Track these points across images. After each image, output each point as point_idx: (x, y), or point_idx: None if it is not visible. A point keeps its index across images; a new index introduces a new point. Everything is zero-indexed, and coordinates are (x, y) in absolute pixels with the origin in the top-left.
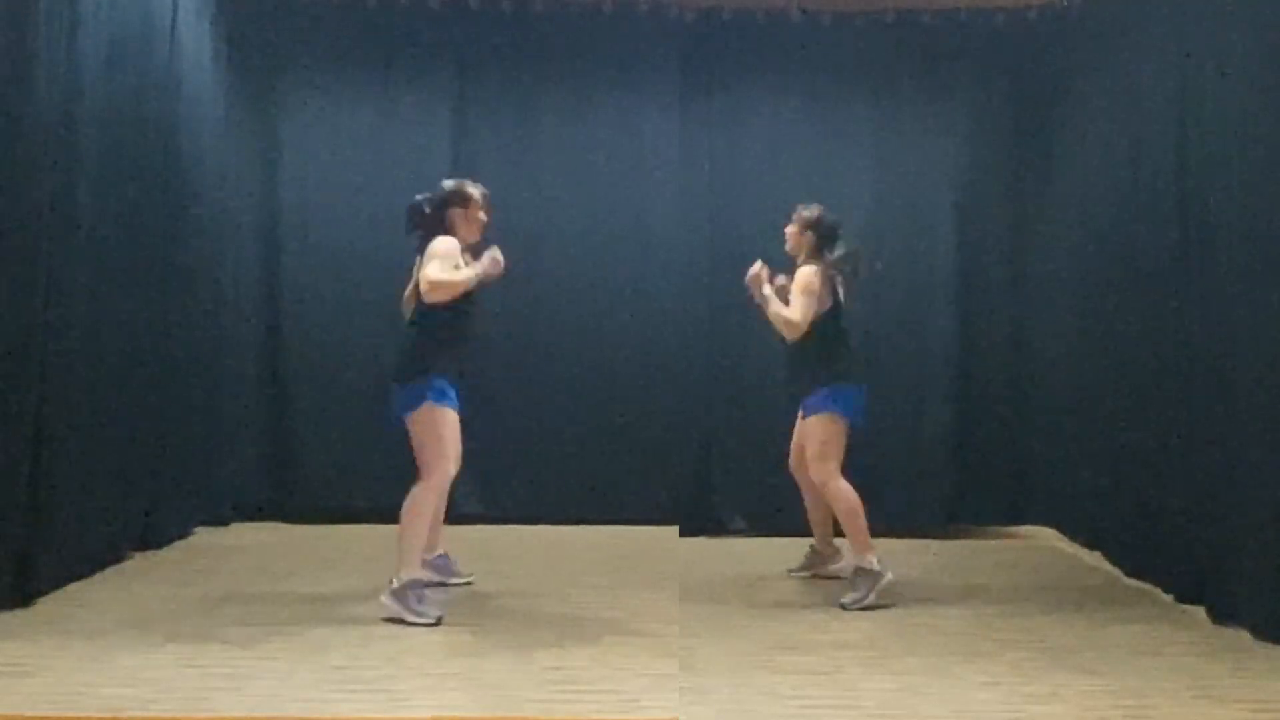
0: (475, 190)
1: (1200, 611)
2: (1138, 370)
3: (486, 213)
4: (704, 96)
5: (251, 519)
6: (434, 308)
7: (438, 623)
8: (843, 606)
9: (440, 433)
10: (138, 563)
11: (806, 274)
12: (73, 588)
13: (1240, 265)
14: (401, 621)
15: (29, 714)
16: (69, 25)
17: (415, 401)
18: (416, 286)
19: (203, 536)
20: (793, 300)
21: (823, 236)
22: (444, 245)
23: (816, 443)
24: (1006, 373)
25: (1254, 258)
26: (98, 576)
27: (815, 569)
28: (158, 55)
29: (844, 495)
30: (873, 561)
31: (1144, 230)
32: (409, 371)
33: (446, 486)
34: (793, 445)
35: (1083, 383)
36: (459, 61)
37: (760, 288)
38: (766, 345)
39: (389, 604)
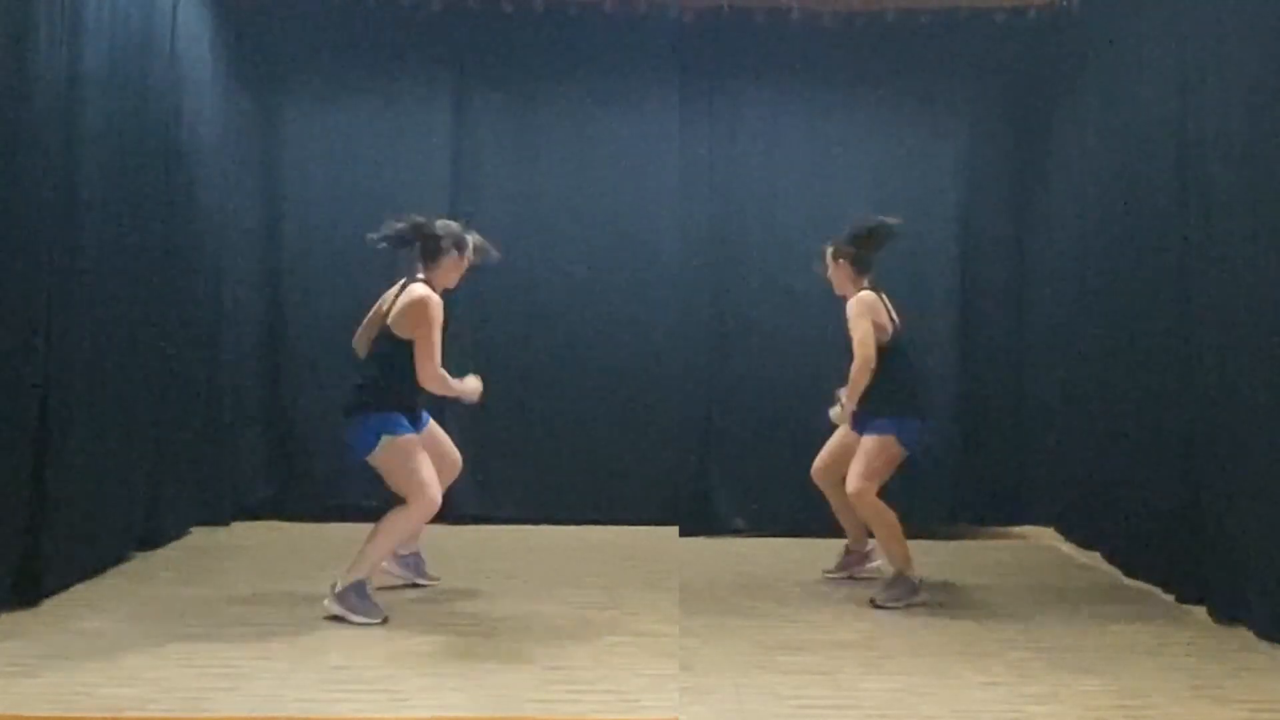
0: (473, 238)
1: (1200, 611)
2: (1138, 370)
3: (470, 263)
4: (704, 96)
5: (251, 519)
6: (401, 349)
7: (384, 622)
8: (872, 601)
9: (410, 462)
10: (139, 563)
11: (858, 300)
12: (76, 588)
13: (1240, 265)
14: (345, 621)
15: (30, 714)
16: (69, 27)
17: (371, 440)
18: (381, 323)
19: (203, 536)
20: (854, 331)
21: (860, 253)
22: (433, 309)
23: (866, 460)
24: (1006, 373)
25: (1255, 257)
26: (99, 577)
27: (851, 569)
28: (158, 55)
29: (880, 512)
30: (915, 577)
31: (1144, 230)
32: (360, 407)
33: (432, 511)
34: (824, 452)
35: (1082, 383)
36: (459, 61)
37: (844, 412)
38: (767, 345)
39: (332, 606)
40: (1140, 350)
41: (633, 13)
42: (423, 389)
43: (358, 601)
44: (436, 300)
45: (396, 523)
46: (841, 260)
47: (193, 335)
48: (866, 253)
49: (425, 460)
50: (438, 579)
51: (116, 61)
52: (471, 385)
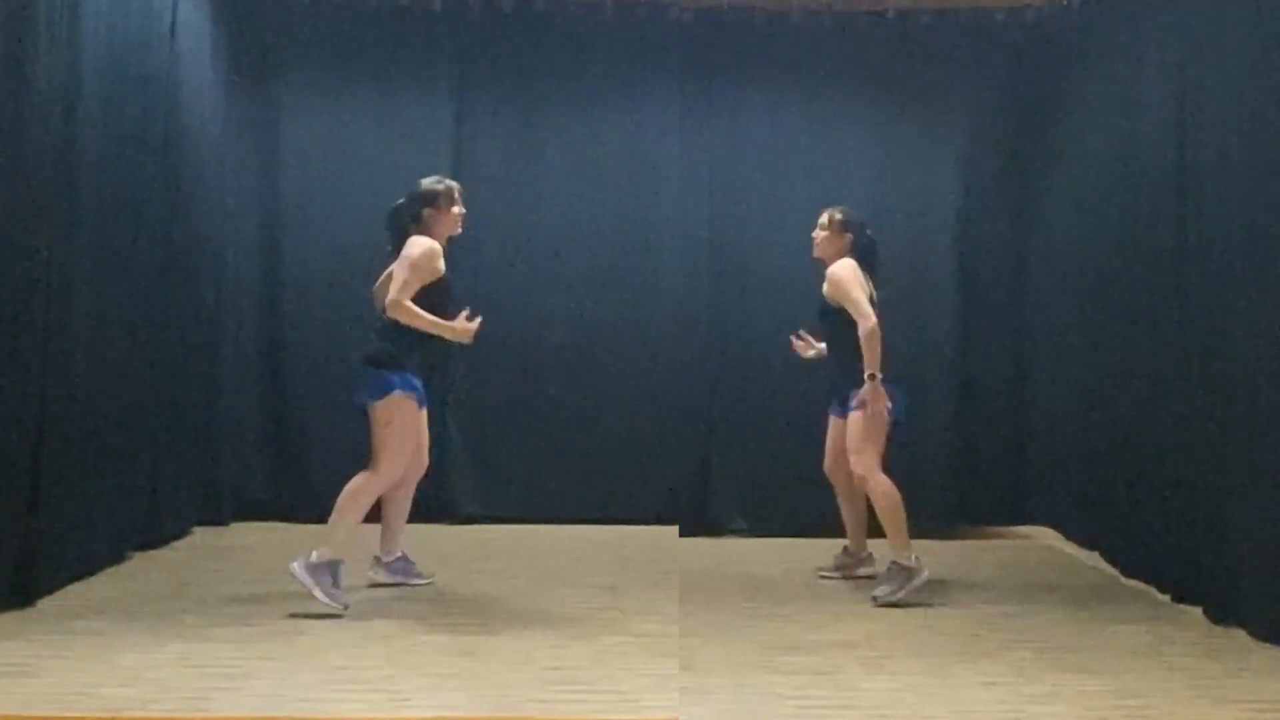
0: (442, 186)
1: (1199, 611)
2: (1138, 370)
3: (460, 206)
4: (704, 96)
5: (251, 519)
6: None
7: (345, 610)
8: (874, 599)
9: (402, 427)
10: (138, 563)
11: (840, 272)
12: (74, 588)
13: (1240, 265)
14: (311, 598)
15: (29, 714)
16: (69, 25)
17: (383, 389)
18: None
19: (202, 536)
20: (847, 304)
21: (858, 236)
22: (419, 249)
23: (858, 437)
24: (1006, 373)
25: (1254, 257)
26: (98, 576)
27: (846, 570)
28: (158, 55)
29: (884, 489)
30: (910, 558)
31: (1144, 230)
32: (380, 358)
33: (392, 483)
34: (828, 445)
35: (1083, 383)
36: (459, 61)
37: (867, 393)
38: (767, 345)
39: (300, 574)
40: (1139, 350)
41: (633, 13)
42: (437, 351)
43: (326, 583)
44: (426, 244)
45: (358, 488)
46: (848, 235)
47: (192, 334)
48: (863, 240)
49: (413, 435)
50: (432, 577)
51: (116, 61)
52: (461, 325)
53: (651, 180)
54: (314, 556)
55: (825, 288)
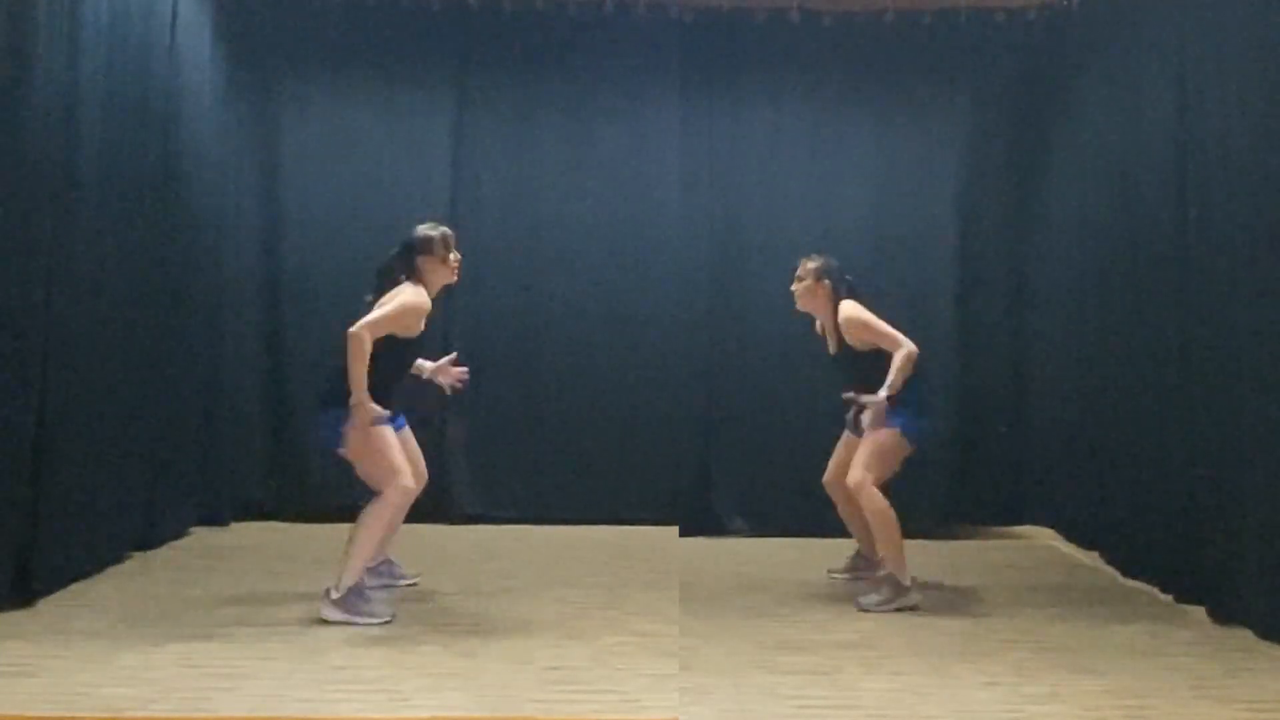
0: (435, 233)
1: (1199, 611)
2: (1137, 370)
3: (456, 254)
4: (704, 96)
5: (251, 519)
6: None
7: (390, 620)
8: (859, 605)
9: (381, 449)
10: (138, 562)
11: (856, 314)
12: (73, 588)
13: (1240, 265)
14: (351, 625)
15: (29, 714)
16: (69, 25)
17: (339, 431)
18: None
19: (202, 536)
20: (879, 339)
21: (836, 280)
22: (410, 298)
23: (869, 451)
24: (1006, 373)
25: (1254, 257)
26: (98, 576)
27: (857, 573)
28: (158, 55)
29: (878, 504)
30: (907, 579)
31: (1144, 230)
32: (332, 398)
33: (406, 501)
34: (832, 462)
35: (1082, 383)
36: (459, 61)
37: (876, 410)
38: (767, 345)
39: (333, 614)
40: (1139, 350)
41: (633, 13)
42: (396, 387)
43: (361, 604)
44: (418, 299)
45: (373, 516)
46: (826, 281)
47: (192, 335)
48: (844, 282)
49: (397, 447)
50: (417, 576)
51: (116, 62)
52: (369, 405)
53: (651, 180)
54: (335, 593)
55: (847, 334)
